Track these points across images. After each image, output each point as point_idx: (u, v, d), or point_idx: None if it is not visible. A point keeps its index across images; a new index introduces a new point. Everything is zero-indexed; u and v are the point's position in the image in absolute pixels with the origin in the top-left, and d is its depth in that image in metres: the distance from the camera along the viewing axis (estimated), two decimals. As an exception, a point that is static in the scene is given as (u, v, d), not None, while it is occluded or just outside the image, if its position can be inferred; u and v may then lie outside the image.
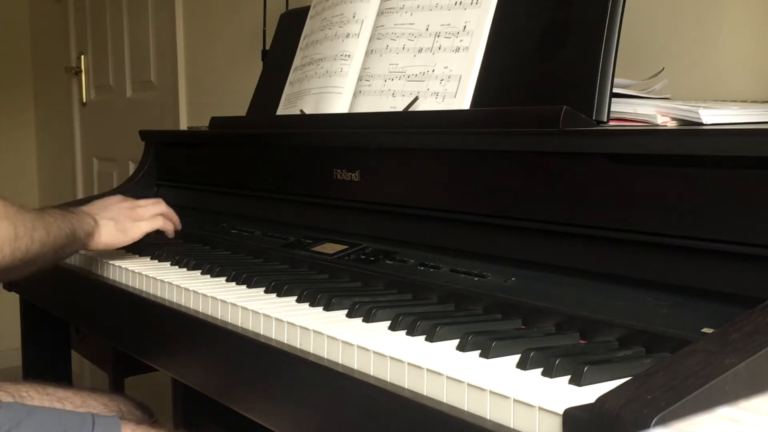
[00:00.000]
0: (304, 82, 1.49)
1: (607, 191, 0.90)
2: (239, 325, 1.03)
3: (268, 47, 1.88)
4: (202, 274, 1.25)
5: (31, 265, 1.14)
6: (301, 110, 1.47)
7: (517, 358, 0.78)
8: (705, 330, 0.74)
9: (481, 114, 1.15)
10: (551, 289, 0.92)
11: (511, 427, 0.67)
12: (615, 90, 1.04)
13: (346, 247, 1.22)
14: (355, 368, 0.84)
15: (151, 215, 1.40)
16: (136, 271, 1.29)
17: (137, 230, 1.36)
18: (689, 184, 0.82)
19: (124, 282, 1.33)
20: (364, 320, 0.95)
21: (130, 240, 1.35)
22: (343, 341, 0.87)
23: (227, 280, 1.19)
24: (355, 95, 1.36)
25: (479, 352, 0.81)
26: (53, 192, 3.71)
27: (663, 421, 0.56)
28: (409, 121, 1.23)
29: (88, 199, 1.50)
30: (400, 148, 1.19)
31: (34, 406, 1.15)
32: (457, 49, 1.22)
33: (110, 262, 1.39)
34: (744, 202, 0.77)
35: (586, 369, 0.70)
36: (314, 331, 0.91)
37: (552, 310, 0.89)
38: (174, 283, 1.19)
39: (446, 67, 1.22)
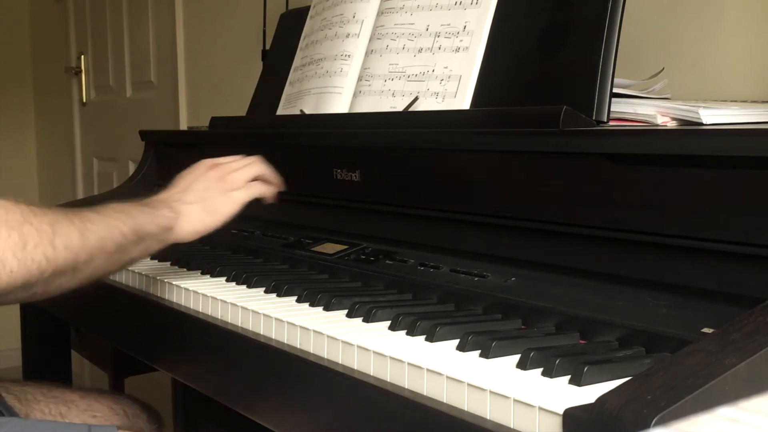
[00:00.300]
0: (304, 82, 1.49)
1: (607, 191, 0.90)
2: (239, 325, 1.03)
3: (268, 47, 1.89)
4: (202, 274, 1.25)
5: (63, 275, 0.94)
6: (301, 110, 1.47)
7: (517, 358, 0.77)
8: (705, 330, 0.74)
9: (481, 114, 1.15)
10: (551, 289, 0.92)
11: (511, 427, 0.67)
12: (615, 90, 1.04)
13: (346, 247, 1.22)
14: (355, 368, 0.84)
15: (246, 180, 1.17)
16: (136, 270, 1.29)
17: (230, 205, 1.14)
18: (689, 184, 0.82)
19: (123, 282, 1.33)
20: (364, 320, 0.95)
21: (224, 219, 1.14)
22: (343, 341, 0.87)
23: (227, 280, 1.19)
24: (355, 95, 1.36)
25: (479, 352, 0.81)
26: (53, 192, 3.71)
27: (663, 421, 0.56)
28: (409, 121, 1.23)
29: (88, 200, 1.49)
30: (400, 148, 1.19)
31: (29, 421, 1.14)
32: (457, 49, 1.22)
33: (110, 262, 1.38)
34: (744, 202, 0.77)
35: (586, 369, 0.70)
36: (314, 331, 0.91)
37: (552, 310, 0.89)
38: (174, 283, 1.19)
39: (446, 67, 1.22)
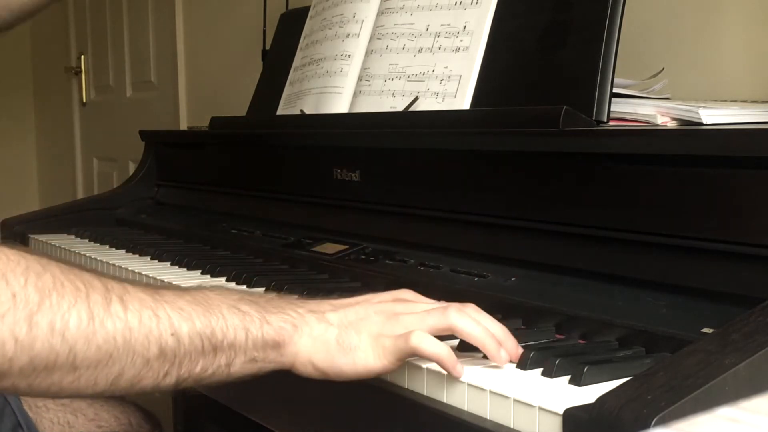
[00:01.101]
0: (304, 82, 1.49)
1: (607, 191, 0.90)
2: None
3: (268, 47, 1.89)
4: (202, 273, 1.25)
5: (53, 371, 0.65)
6: (301, 110, 1.47)
7: (517, 358, 0.77)
8: (705, 330, 0.74)
9: (481, 114, 1.15)
10: (551, 289, 0.92)
11: (511, 427, 0.67)
12: (615, 90, 1.04)
13: (346, 247, 1.22)
14: (355, 368, 0.84)
15: (418, 328, 0.74)
16: (136, 270, 1.29)
17: (369, 352, 0.75)
18: (689, 184, 0.82)
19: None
20: (364, 320, 0.94)
21: (352, 367, 0.74)
22: (343, 341, 0.87)
23: (227, 280, 1.19)
24: (355, 95, 1.36)
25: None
26: (53, 192, 3.71)
27: (663, 421, 0.56)
28: (409, 121, 1.23)
29: (88, 200, 1.48)
30: (400, 148, 1.19)
31: None
32: (457, 49, 1.22)
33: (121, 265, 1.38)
34: (744, 202, 0.77)
35: (586, 369, 0.70)
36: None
37: (552, 310, 0.89)
38: (174, 283, 1.19)
39: (446, 67, 1.22)
